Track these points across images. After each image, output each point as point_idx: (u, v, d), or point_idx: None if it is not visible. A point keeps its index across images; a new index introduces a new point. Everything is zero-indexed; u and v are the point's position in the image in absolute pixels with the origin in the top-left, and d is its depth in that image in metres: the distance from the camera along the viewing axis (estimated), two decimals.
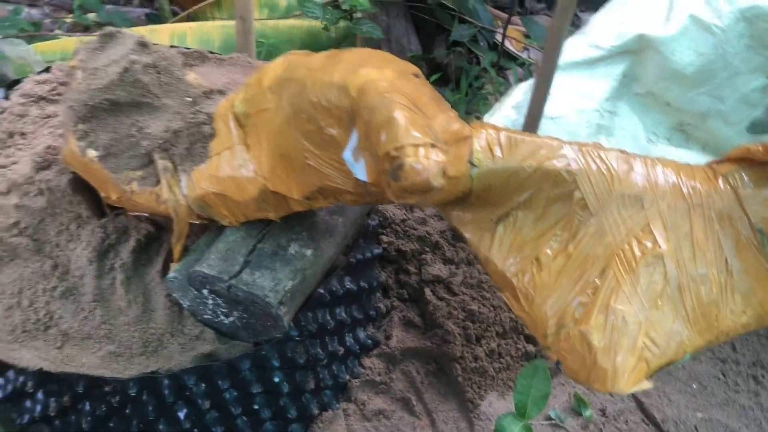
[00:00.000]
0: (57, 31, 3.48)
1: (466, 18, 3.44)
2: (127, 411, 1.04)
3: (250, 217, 0.96)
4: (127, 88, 0.94)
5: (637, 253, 0.80)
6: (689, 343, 0.79)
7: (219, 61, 1.46)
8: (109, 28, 0.99)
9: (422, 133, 0.69)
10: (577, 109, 1.74)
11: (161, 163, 0.95)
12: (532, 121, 1.61)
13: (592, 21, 1.84)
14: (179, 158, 0.95)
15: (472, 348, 1.29)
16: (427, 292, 1.34)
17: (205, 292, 0.95)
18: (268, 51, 3.12)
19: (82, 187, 1.10)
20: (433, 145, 0.69)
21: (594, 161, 0.84)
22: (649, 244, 0.80)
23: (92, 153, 0.95)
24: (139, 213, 1.08)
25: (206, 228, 1.05)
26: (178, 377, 0.99)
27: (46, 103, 1.37)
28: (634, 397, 1.34)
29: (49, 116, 1.35)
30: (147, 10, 4.41)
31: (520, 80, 3.41)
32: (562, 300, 0.82)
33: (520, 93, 1.83)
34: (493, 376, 1.30)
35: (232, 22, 3.45)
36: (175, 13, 4.24)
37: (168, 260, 1.09)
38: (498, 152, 0.83)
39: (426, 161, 0.67)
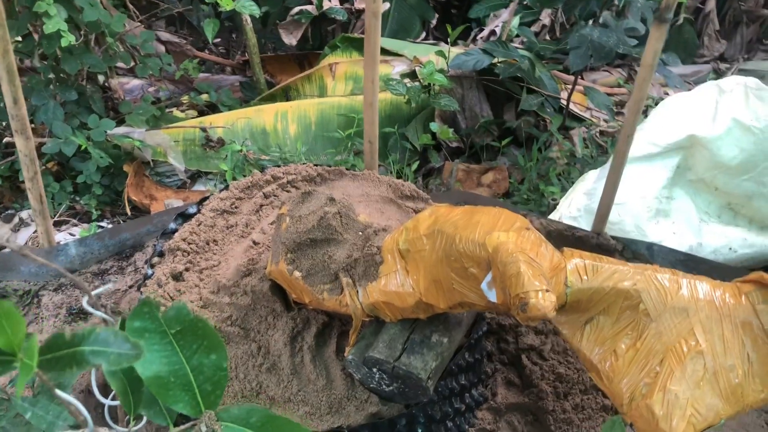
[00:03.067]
0: (175, 111, 4.04)
1: (533, 87, 3.82)
2: None
3: (405, 317, 1.36)
4: (322, 230, 1.37)
5: (685, 349, 1.16)
6: (723, 413, 1.14)
7: (353, 176, 1.88)
8: (308, 189, 1.42)
9: (540, 281, 1.08)
10: (639, 196, 2.09)
11: (345, 280, 1.36)
12: (604, 208, 1.95)
13: (649, 120, 2.20)
14: (357, 277, 1.36)
15: (561, 403, 1.66)
16: (524, 358, 1.72)
17: (374, 369, 1.36)
18: (359, 124, 3.58)
19: (276, 290, 1.53)
20: (547, 290, 1.08)
21: (653, 282, 1.21)
22: (693, 343, 1.16)
23: (297, 274, 1.38)
24: (317, 308, 1.50)
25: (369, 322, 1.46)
26: (355, 431, 1.39)
27: (228, 215, 1.81)
28: None
29: (231, 226, 1.79)
30: (240, 78, 4.96)
31: (584, 139, 3.77)
32: (633, 381, 1.19)
33: (591, 180, 2.20)
34: (578, 425, 1.66)
35: (326, 100, 3.94)
36: (267, 82, 4.77)
37: (339, 341, 1.51)
38: (584, 276, 1.22)
39: (543, 302, 1.06)
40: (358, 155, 3.56)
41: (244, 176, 3.28)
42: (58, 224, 3.18)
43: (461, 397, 1.57)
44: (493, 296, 1.17)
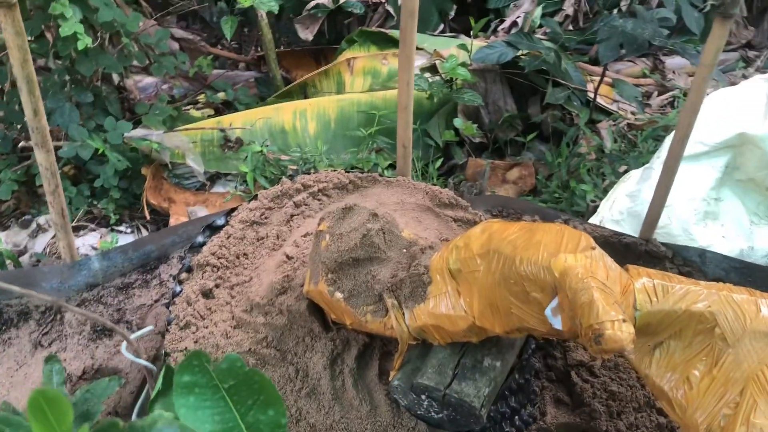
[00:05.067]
0: (191, 110, 3.95)
1: (559, 80, 3.70)
2: None
3: (455, 340, 1.27)
4: (365, 248, 1.28)
5: None
6: None
7: (387, 183, 1.79)
8: (347, 203, 1.33)
9: (616, 311, 0.98)
10: (686, 199, 1.99)
11: (390, 302, 1.27)
12: (654, 213, 1.82)
13: None
14: (403, 298, 1.27)
15: (614, 422, 1.57)
16: (573, 374, 1.63)
17: (423, 396, 1.27)
18: (380, 121, 3.49)
19: (314, 309, 1.44)
20: (624, 320, 0.98)
21: (729, 304, 1.12)
22: None
23: (339, 295, 1.29)
24: (358, 330, 1.41)
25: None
26: None
27: (258, 226, 1.73)
28: None
29: (262, 238, 1.71)
30: (255, 74, 4.86)
31: (613, 134, 3.65)
32: (709, 412, 1.09)
33: (633, 182, 2.10)
34: None
35: (345, 96, 3.84)
36: (282, 77, 4.66)
37: (382, 364, 1.42)
38: (654, 298, 1.12)
39: (621, 333, 0.97)
40: (380, 153, 3.47)
41: (265, 177, 3.20)
42: (76, 229, 3.11)
43: (511, 421, 1.48)
44: (558, 323, 1.08)
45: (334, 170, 1.83)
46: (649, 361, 1.15)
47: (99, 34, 2.84)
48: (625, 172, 2.80)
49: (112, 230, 3.19)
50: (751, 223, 2.05)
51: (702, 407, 1.10)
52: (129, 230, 3.21)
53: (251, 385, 0.71)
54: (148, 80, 4.34)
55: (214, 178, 3.45)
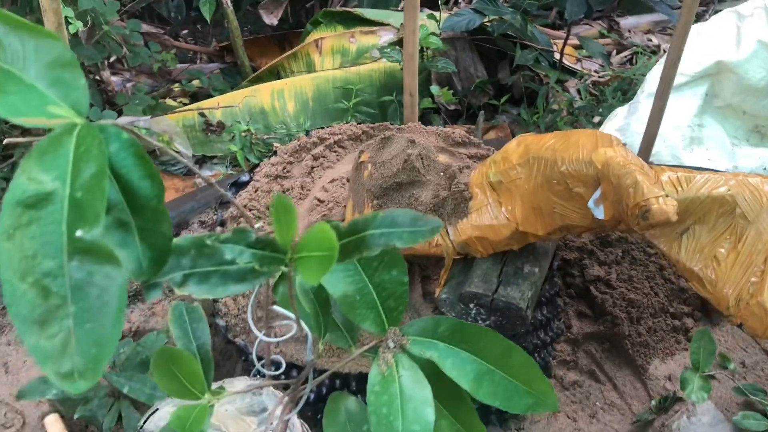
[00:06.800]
0: (168, 100, 3.97)
1: (526, 42, 3.84)
2: None
3: (497, 250, 1.37)
4: (407, 173, 1.37)
5: None
6: None
7: (399, 130, 1.88)
8: (386, 133, 1.41)
9: (657, 188, 1.10)
10: (673, 127, 2.13)
11: None
12: (650, 138, 1.95)
13: None
14: (446, 215, 1.37)
15: (635, 327, 1.69)
16: (592, 289, 1.75)
17: (471, 305, 1.37)
18: (357, 94, 3.57)
19: None
20: (667, 195, 1.10)
21: (746, 186, 1.24)
22: None
23: None
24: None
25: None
26: None
27: (282, 179, 1.80)
28: (765, 351, 1.73)
29: (287, 190, 1.78)
30: (219, 65, 4.88)
31: (584, 91, 3.80)
32: (738, 282, 1.22)
33: (621, 117, 2.23)
34: (654, 346, 1.70)
35: (320, 74, 3.90)
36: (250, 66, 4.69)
37: (424, 286, 1.52)
38: (679, 188, 1.24)
39: (665, 206, 1.08)
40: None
41: (254, 154, 3.26)
42: None
43: (544, 331, 1.59)
44: (600, 213, 1.19)
45: (347, 123, 1.91)
46: (678, 247, 1.27)
47: (88, 20, 2.85)
48: (600, 123, 2.95)
49: None
50: (732, 145, 2.21)
51: (731, 280, 1.23)
52: None
53: None
54: (111, 79, 4.32)
55: (200, 162, 3.48)
